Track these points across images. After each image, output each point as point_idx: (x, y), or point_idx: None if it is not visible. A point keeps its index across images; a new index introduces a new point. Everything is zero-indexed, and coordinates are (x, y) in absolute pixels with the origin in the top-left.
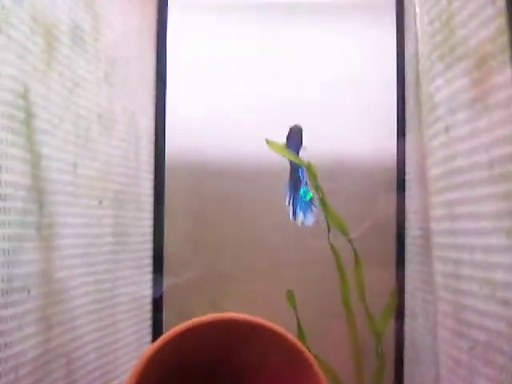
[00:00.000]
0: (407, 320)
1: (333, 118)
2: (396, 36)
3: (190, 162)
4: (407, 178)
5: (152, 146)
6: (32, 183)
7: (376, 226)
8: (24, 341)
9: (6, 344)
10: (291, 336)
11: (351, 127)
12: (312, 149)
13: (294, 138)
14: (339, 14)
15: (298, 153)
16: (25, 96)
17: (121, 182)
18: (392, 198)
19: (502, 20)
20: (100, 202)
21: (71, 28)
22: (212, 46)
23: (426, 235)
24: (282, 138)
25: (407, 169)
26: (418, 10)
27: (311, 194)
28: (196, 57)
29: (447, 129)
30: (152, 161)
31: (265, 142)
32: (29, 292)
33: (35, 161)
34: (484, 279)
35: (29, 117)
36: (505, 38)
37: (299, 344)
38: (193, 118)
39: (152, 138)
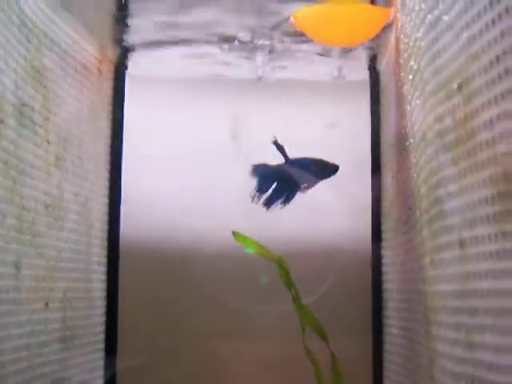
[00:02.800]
0: None
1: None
2: (370, 115)
3: (147, 249)
4: (384, 269)
5: (105, 235)
6: None
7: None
8: None
9: None
10: None
11: (323, 210)
12: (281, 233)
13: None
14: (312, 92)
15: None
16: None
17: (70, 278)
18: (368, 293)
19: None
20: (46, 305)
21: (17, 107)
22: (172, 124)
23: (407, 335)
24: (247, 226)
25: (383, 257)
26: (417, 101)
27: None
28: (155, 136)
29: (462, 243)
30: (105, 252)
31: (230, 230)
32: None
33: None
34: None
35: None
36: None
37: None
38: (150, 202)
39: (105, 226)
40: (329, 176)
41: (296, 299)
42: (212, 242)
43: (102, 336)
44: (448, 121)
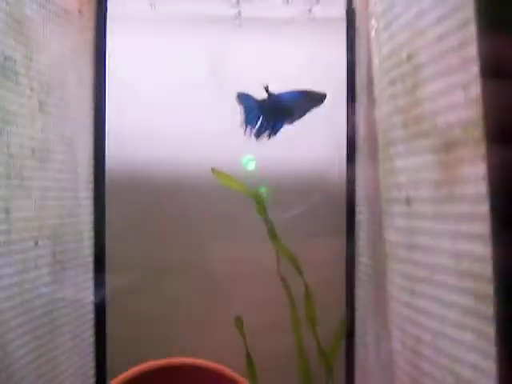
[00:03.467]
0: (358, 349)
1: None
2: (346, 54)
3: (133, 185)
4: (357, 201)
5: (91, 172)
6: None
7: (325, 251)
8: None
9: None
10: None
11: (300, 144)
12: (261, 167)
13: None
14: (290, 29)
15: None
16: None
17: (58, 214)
18: (341, 220)
19: (477, 110)
20: (36, 243)
21: (0, 62)
22: (156, 63)
23: (376, 266)
24: (231, 162)
25: (357, 193)
26: (375, 60)
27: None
28: (139, 73)
29: (409, 201)
30: (91, 186)
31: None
32: None
33: None
34: (448, 369)
35: None
36: (478, 131)
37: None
38: (135, 139)
39: (91, 163)
40: (317, 105)
41: (271, 231)
42: (195, 174)
43: (90, 266)
44: (399, 86)
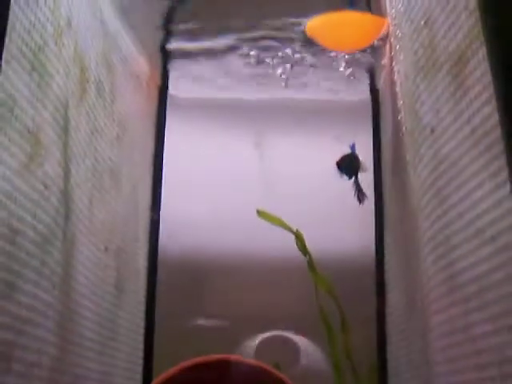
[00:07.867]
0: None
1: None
2: (373, 138)
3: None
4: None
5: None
6: (63, 188)
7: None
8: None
9: None
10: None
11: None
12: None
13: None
14: (320, 116)
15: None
16: (65, 113)
17: (123, 238)
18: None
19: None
20: (106, 249)
21: (96, 81)
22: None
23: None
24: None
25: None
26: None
27: None
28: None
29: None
30: (147, 235)
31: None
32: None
33: (66, 171)
34: None
35: (66, 130)
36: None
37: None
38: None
39: (148, 215)
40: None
41: (310, 264)
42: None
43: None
44: (420, 51)
